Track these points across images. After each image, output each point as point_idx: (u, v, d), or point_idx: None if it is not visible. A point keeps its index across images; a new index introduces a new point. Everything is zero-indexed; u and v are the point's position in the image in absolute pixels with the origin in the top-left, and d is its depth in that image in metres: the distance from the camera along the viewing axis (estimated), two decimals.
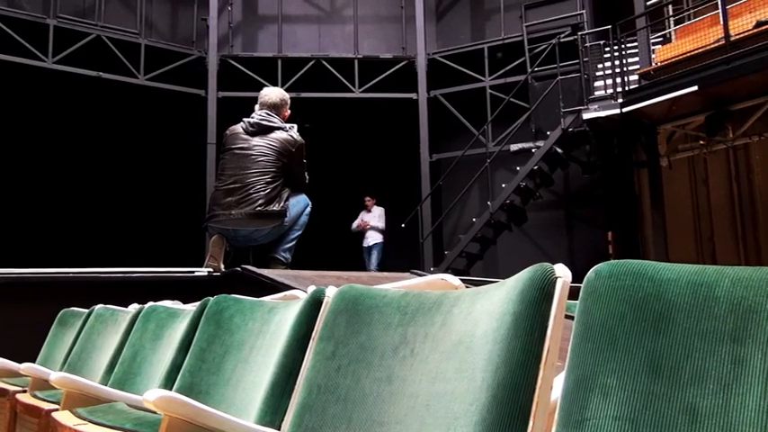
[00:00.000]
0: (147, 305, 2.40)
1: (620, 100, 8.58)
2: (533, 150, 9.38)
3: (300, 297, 1.82)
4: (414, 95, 11.01)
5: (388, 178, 11.29)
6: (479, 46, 10.91)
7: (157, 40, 10.41)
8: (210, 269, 3.75)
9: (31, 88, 9.39)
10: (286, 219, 4.24)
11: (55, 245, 9.21)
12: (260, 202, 4.14)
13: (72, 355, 2.74)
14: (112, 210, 10.16)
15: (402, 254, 10.94)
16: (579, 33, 9.31)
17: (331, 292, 1.40)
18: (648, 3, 9.52)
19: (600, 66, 9.85)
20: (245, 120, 4.36)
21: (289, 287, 3.22)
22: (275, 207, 4.20)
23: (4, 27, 8.90)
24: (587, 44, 9.34)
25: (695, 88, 7.58)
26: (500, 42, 10.74)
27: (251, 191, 4.15)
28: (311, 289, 1.57)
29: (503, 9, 10.79)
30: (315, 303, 1.42)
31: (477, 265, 10.09)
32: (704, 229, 12.55)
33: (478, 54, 10.88)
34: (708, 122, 8.36)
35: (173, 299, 3.47)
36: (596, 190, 10.59)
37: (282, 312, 1.58)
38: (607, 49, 9.41)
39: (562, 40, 9.48)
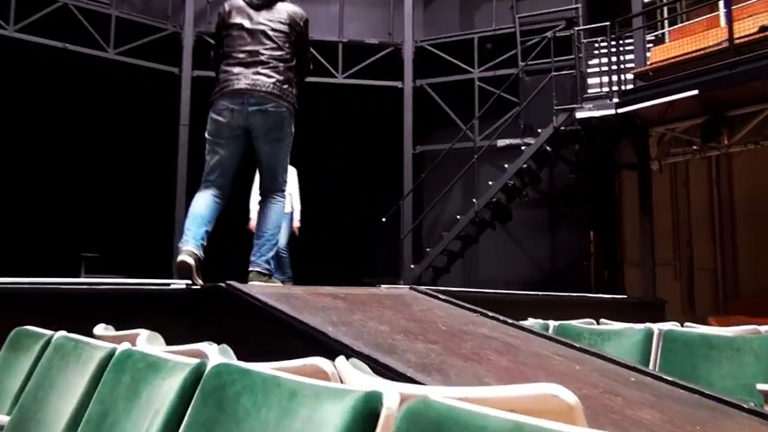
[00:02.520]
0: (119, 348, 1.97)
1: (615, 100, 8.29)
2: (522, 147, 9.05)
3: (326, 370, 1.42)
4: (399, 84, 10.58)
5: (370, 168, 10.89)
6: (469, 36, 10.51)
7: (129, 12, 9.75)
8: (188, 282, 3.30)
9: None
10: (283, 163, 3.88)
11: (9, 235, 8.59)
12: (279, 78, 3.67)
13: (25, 395, 2.30)
14: (75, 195, 9.56)
15: (381, 248, 10.58)
16: (575, 29, 8.97)
17: (391, 403, 1.00)
18: (646, 0, 9.23)
19: (592, 62, 9.57)
20: None
21: (280, 312, 2.81)
22: (291, 91, 3.75)
23: None
24: (583, 40, 9.02)
25: (696, 92, 7.32)
26: (491, 33, 10.36)
27: (268, 67, 3.67)
28: (355, 378, 1.18)
29: None
30: (367, 417, 1.02)
31: (457, 263, 9.77)
32: (683, 234, 12.49)
33: (467, 44, 10.48)
34: (704, 128, 8.13)
35: (146, 317, 3.05)
36: (581, 189, 10.35)
37: (312, 408, 1.18)
38: (604, 44, 9.10)
39: (557, 35, 9.11)
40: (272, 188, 3.95)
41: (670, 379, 2.44)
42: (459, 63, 10.42)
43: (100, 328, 2.71)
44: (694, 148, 8.73)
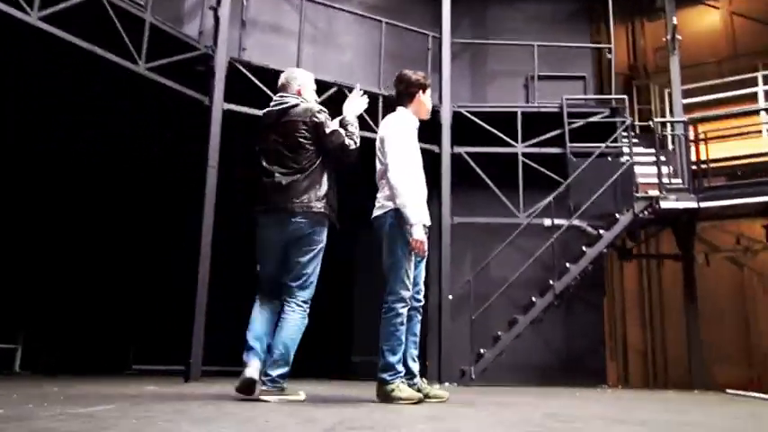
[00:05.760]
0: None
1: (700, 194, 8.45)
2: (584, 228, 8.77)
3: None
4: (436, 148, 9.85)
5: None
6: (512, 109, 10.19)
7: (163, 21, 7.88)
8: None
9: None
10: None
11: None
12: None
13: None
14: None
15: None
16: (655, 120, 9.09)
17: None
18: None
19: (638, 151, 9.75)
20: None
21: None
22: None
23: None
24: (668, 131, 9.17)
25: None
26: (533, 110, 10.16)
27: None
28: None
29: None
30: None
31: None
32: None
33: (508, 117, 10.12)
34: None
35: None
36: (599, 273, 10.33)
37: None
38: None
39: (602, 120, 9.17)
40: None
41: None
42: (501, 135, 9.99)
43: None
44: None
